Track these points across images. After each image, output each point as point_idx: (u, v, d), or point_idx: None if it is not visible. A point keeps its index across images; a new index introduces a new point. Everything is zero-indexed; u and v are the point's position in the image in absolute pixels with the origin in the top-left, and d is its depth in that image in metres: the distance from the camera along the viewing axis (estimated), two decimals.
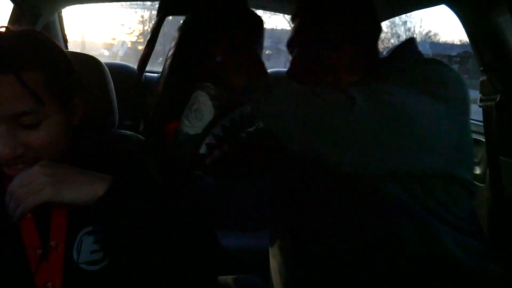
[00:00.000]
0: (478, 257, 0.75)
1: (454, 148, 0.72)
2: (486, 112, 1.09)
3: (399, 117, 0.67)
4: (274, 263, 1.03)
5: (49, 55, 0.63)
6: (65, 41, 1.73)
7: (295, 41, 0.85)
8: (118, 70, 1.69)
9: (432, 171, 0.72)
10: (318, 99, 0.68)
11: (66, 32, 1.72)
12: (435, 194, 0.74)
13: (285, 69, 0.91)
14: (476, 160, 1.30)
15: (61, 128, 0.64)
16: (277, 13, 2.83)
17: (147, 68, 2.02)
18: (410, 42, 0.87)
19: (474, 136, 1.32)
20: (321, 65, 0.81)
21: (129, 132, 1.00)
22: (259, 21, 0.88)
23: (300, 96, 0.70)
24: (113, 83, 0.94)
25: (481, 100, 1.10)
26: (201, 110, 0.86)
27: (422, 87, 0.70)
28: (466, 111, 0.75)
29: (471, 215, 0.80)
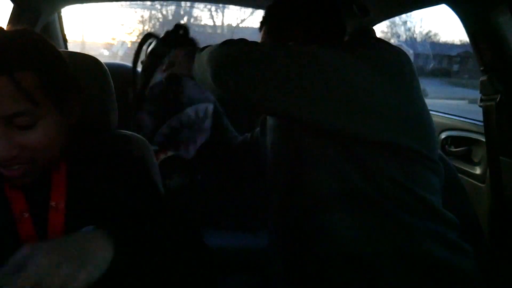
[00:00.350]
0: (425, 241, 0.74)
1: (398, 118, 0.72)
2: (486, 112, 1.09)
3: (312, 65, 0.69)
4: (274, 263, 1.03)
5: (43, 55, 0.62)
6: (65, 41, 1.73)
7: None
8: (118, 70, 1.68)
9: (363, 134, 0.72)
10: (229, 42, 0.76)
11: (66, 32, 1.72)
12: (377, 162, 0.73)
13: None
14: (476, 160, 1.30)
15: (57, 128, 0.64)
16: None
17: None
18: (366, 31, 0.90)
19: (474, 136, 1.32)
20: None
21: (129, 132, 1.00)
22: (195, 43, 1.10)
23: (215, 45, 0.77)
24: (113, 83, 0.94)
25: (481, 100, 1.09)
26: (141, 122, 1.03)
27: (353, 51, 0.72)
28: (406, 84, 0.75)
29: (456, 207, 0.80)
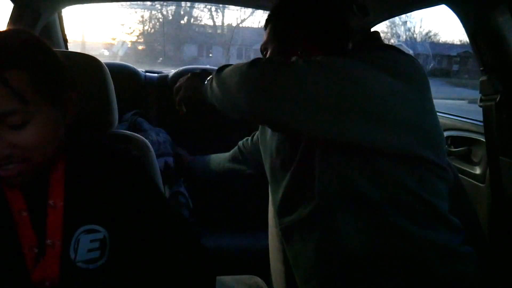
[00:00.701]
0: (428, 252, 0.74)
1: (413, 126, 0.72)
2: (486, 112, 1.09)
3: (341, 80, 0.68)
4: (274, 263, 1.03)
5: (34, 54, 0.62)
6: (65, 41, 1.73)
7: (268, 43, 0.91)
8: (118, 70, 1.68)
9: (384, 145, 0.72)
10: (260, 63, 0.73)
11: (66, 32, 1.72)
12: (388, 170, 0.73)
13: None
14: (476, 160, 1.30)
15: (51, 127, 0.64)
16: None
17: (147, 68, 2.02)
18: (373, 35, 0.89)
19: (474, 136, 1.32)
20: None
21: (129, 132, 1.00)
22: None
23: (242, 66, 0.75)
24: (113, 83, 0.94)
25: (481, 100, 1.09)
26: None
27: (375, 62, 0.71)
28: (424, 92, 0.75)
29: (458, 208, 0.80)
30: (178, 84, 1.00)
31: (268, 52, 0.91)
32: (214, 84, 0.80)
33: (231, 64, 0.80)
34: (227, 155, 1.33)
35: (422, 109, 0.74)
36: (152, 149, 0.98)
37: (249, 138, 1.24)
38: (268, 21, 0.93)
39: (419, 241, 0.73)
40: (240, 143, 1.28)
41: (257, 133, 1.16)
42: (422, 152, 0.74)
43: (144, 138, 0.99)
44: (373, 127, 0.69)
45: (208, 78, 0.87)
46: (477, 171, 1.27)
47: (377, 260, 0.74)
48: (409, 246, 0.73)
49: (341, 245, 0.76)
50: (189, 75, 0.97)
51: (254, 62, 0.74)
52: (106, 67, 0.92)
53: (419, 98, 0.74)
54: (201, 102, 0.89)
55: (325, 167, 0.77)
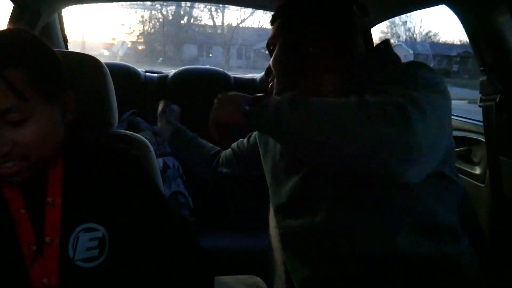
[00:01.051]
0: (438, 266, 0.74)
1: (447, 146, 0.72)
2: (486, 112, 1.09)
3: (440, 118, 0.64)
4: (274, 263, 1.03)
5: (33, 52, 0.63)
6: (65, 41, 1.74)
7: (276, 39, 0.87)
8: (118, 70, 1.69)
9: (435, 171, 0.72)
10: (382, 109, 0.61)
11: (66, 32, 1.72)
12: (420, 195, 0.73)
13: None
14: (476, 160, 1.30)
15: (50, 125, 0.64)
16: None
17: (147, 68, 2.02)
18: (385, 43, 0.88)
19: (474, 136, 1.32)
20: (301, 61, 0.83)
21: (129, 132, 1.00)
22: None
23: (349, 106, 0.63)
24: (113, 83, 0.94)
25: (481, 100, 1.10)
26: None
27: (428, 87, 0.68)
28: (451, 106, 0.75)
29: (463, 215, 0.80)
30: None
31: (276, 48, 0.87)
32: (291, 118, 0.65)
33: (307, 96, 0.68)
34: (223, 159, 1.30)
35: (450, 125, 0.74)
36: (152, 149, 0.99)
37: (245, 139, 1.22)
38: (276, 16, 0.89)
39: (425, 252, 0.74)
40: (234, 145, 1.25)
41: (254, 134, 1.15)
42: (442, 167, 0.74)
43: (144, 138, 0.99)
44: (442, 155, 0.70)
45: (255, 103, 0.72)
46: (477, 171, 1.27)
47: (380, 267, 0.74)
48: (414, 255, 0.73)
49: (345, 251, 0.76)
50: (219, 96, 0.82)
51: (370, 105, 0.61)
52: (106, 67, 0.92)
53: (451, 113, 0.73)
54: (241, 126, 0.76)
55: (339, 177, 0.76)
